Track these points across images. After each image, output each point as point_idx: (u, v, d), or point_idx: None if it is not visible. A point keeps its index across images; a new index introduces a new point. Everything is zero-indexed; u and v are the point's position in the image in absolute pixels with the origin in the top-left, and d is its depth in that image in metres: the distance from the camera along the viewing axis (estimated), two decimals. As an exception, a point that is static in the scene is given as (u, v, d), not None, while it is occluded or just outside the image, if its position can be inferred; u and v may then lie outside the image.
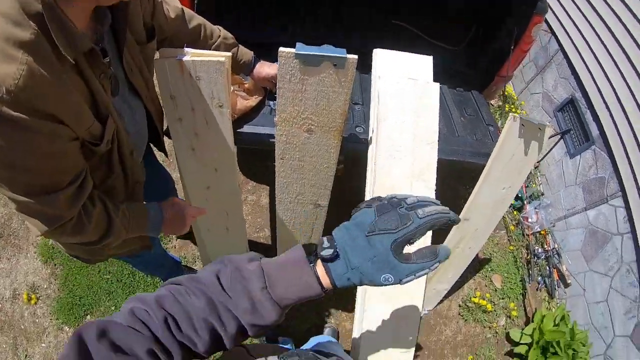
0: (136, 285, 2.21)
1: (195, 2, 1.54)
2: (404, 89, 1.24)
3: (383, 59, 1.28)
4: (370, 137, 1.25)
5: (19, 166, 0.74)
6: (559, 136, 2.85)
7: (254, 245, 2.07)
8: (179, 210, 1.13)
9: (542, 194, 2.90)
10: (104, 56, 0.85)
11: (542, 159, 3.00)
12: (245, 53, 1.39)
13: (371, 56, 1.39)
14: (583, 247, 2.48)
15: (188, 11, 1.19)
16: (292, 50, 1.00)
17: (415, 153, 1.25)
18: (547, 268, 2.55)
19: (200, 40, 1.23)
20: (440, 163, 1.35)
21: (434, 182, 1.27)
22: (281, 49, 1.01)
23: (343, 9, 2.30)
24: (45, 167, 0.77)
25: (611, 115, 2.38)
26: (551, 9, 3.13)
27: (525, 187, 2.91)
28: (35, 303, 2.25)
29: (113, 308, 2.14)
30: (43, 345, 2.14)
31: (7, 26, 0.65)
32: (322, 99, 1.10)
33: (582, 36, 2.75)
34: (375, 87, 1.24)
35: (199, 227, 1.57)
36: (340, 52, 1.02)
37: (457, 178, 2.72)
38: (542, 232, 2.66)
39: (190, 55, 0.98)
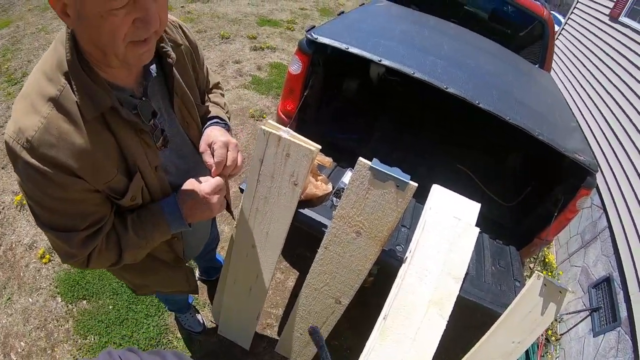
0: (142, 300, 2.22)
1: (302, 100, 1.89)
2: (447, 224, 1.41)
3: (437, 194, 1.48)
4: (406, 257, 1.40)
5: (39, 203, 0.80)
6: (587, 312, 2.81)
7: (262, 320, 2.11)
8: (193, 193, 0.98)
9: (557, 368, 2.80)
10: (146, 113, 0.88)
11: (565, 333, 2.94)
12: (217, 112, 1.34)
13: (429, 190, 1.60)
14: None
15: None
16: (369, 162, 1.22)
17: (440, 282, 1.38)
18: None
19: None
20: (461, 300, 1.46)
21: (449, 313, 1.37)
22: (360, 158, 1.23)
23: (418, 143, 2.66)
24: (61, 209, 0.81)
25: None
26: (607, 184, 3.27)
27: (541, 356, 2.83)
28: (46, 263, 2.32)
29: (110, 307, 2.16)
30: (30, 300, 2.16)
31: (42, 82, 0.75)
32: (378, 210, 1.29)
33: (632, 217, 2.83)
34: (424, 216, 1.42)
35: (228, 274, 1.72)
36: (404, 177, 1.22)
37: (470, 320, 2.70)
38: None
39: (289, 135, 1.22)
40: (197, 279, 2.18)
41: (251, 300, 1.75)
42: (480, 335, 1.49)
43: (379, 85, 3.03)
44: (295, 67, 1.87)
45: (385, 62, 1.70)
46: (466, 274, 1.42)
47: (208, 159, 1.01)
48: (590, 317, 2.80)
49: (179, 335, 2.14)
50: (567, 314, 2.97)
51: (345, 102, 2.75)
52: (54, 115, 0.74)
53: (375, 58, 1.71)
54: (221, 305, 1.89)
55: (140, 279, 1.25)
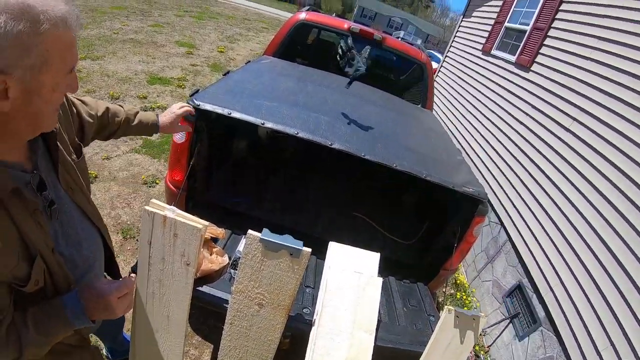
0: None
1: (189, 168, 1.84)
2: (349, 280, 1.42)
3: (335, 251, 1.50)
4: (314, 319, 1.38)
5: None
6: (507, 320, 3.00)
7: None
8: (97, 293, 0.95)
9: (489, 381, 2.91)
10: (40, 185, 0.87)
11: (492, 344, 3.09)
12: (149, 115, 1.49)
13: (329, 241, 1.63)
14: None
15: (93, 102, 1.29)
16: (258, 235, 1.20)
17: (353, 339, 1.37)
18: None
19: (110, 122, 1.34)
20: (380, 349, 1.46)
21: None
22: (250, 231, 1.20)
23: (313, 197, 2.71)
24: None
25: (555, 297, 2.59)
26: (500, 201, 3.60)
27: (474, 371, 2.93)
28: None
29: None
30: None
31: None
32: (275, 280, 1.26)
33: (527, 226, 3.13)
34: (325, 276, 1.42)
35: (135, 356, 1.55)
36: (297, 244, 1.21)
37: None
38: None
39: (175, 214, 1.16)
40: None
41: None
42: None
43: (268, 142, 3.07)
44: (179, 136, 1.82)
45: (269, 124, 1.73)
46: (378, 322, 1.43)
47: None
48: (511, 324, 2.98)
49: None
50: (489, 327, 3.14)
51: (235, 164, 2.74)
52: None
53: (258, 122, 1.73)
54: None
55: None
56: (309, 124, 1.81)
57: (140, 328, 1.44)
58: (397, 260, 2.21)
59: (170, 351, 1.45)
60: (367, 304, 1.42)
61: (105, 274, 1.32)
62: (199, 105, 1.77)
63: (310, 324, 1.41)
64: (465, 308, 3.26)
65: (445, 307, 1.49)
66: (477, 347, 3.02)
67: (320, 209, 2.53)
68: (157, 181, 3.68)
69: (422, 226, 2.40)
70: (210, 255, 1.55)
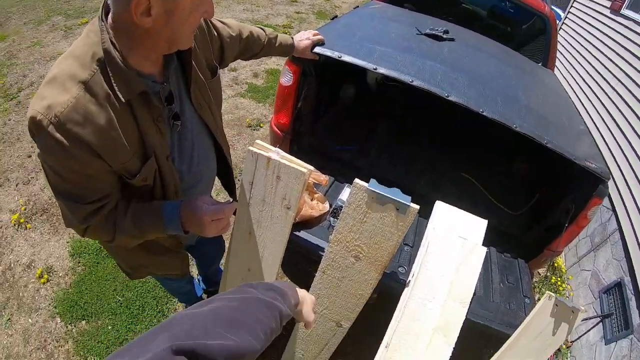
0: (141, 320, 2.19)
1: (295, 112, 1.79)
2: (452, 245, 1.31)
3: (441, 211, 1.38)
4: (409, 281, 1.31)
5: (57, 172, 0.85)
6: (598, 319, 2.71)
7: None
8: (194, 209, 0.99)
9: (568, 377, 2.70)
10: (168, 97, 0.96)
11: (576, 340, 2.83)
12: (287, 38, 1.57)
13: (434, 199, 1.50)
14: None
15: (235, 25, 1.34)
16: (365, 184, 1.13)
17: (446, 307, 1.29)
18: None
19: (253, 44, 1.41)
20: (469, 322, 1.37)
21: (455, 340, 1.28)
22: (356, 180, 1.13)
23: (419, 151, 2.55)
24: (74, 180, 0.87)
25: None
26: (615, 184, 3.16)
27: (553, 365, 2.73)
28: (44, 283, 2.29)
29: (110, 328, 2.11)
30: (29, 320, 2.13)
31: (75, 66, 0.81)
32: (377, 234, 1.20)
33: None
34: (427, 237, 1.32)
35: (226, 288, 1.64)
36: (405, 199, 1.12)
37: (480, 340, 2.59)
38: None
39: (280, 156, 1.13)
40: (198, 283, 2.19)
41: None
42: (484, 356, 1.40)
43: (378, 91, 2.93)
44: (287, 79, 1.78)
45: (381, 70, 1.61)
46: (473, 294, 1.33)
47: None
48: (601, 323, 2.69)
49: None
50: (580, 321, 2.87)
51: (342, 111, 2.65)
52: (82, 97, 0.79)
53: (370, 66, 1.62)
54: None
55: (138, 260, 1.31)
56: (424, 73, 1.65)
57: (234, 264, 1.48)
58: (500, 231, 2.03)
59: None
60: (467, 274, 1.31)
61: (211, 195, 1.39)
62: None
63: (403, 284, 1.34)
64: (558, 295, 2.99)
65: (546, 292, 1.34)
66: (561, 340, 2.78)
67: (426, 164, 2.40)
68: (261, 124, 3.76)
69: (532, 198, 2.16)
70: (311, 201, 1.52)
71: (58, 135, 0.78)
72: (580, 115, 2.33)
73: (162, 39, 0.83)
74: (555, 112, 1.99)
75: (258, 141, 1.17)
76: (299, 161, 1.13)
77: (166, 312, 2.24)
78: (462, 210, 1.42)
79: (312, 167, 1.15)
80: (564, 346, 2.79)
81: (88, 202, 0.90)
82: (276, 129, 1.94)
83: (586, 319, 2.79)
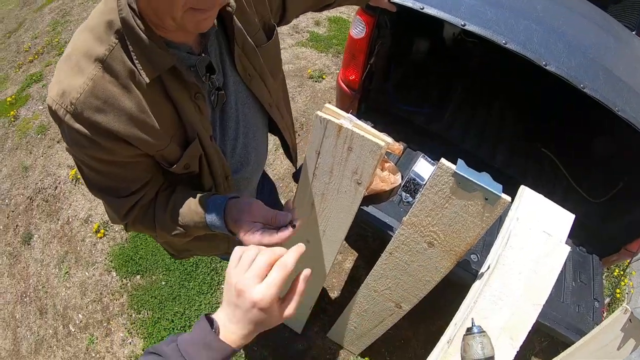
0: (194, 277, 2.18)
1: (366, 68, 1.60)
2: (535, 241, 1.16)
3: (527, 200, 1.22)
4: (482, 273, 1.18)
5: (87, 165, 0.76)
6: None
7: (316, 303, 2.02)
8: (240, 213, 0.83)
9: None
10: (209, 68, 0.81)
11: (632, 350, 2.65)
12: None
13: (510, 175, 1.34)
14: None
15: None
16: (452, 167, 0.98)
17: (517, 308, 1.16)
18: None
19: None
20: (536, 326, 1.24)
21: (521, 343, 1.16)
22: (442, 161, 0.98)
23: (498, 121, 2.31)
24: (107, 171, 0.77)
25: None
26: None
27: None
28: (101, 237, 2.34)
29: (163, 283, 2.16)
30: (86, 274, 2.20)
31: (90, 40, 0.67)
32: (457, 223, 1.06)
33: None
34: (509, 227, 1.17)
35: None
36: (496, 189, 0.97)
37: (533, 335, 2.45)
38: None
39: (353, 124, 0.98)
40: None
41: (307, 289, 1.61)
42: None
43: (454, 47, 2.63)
44: (358, 30, 1.57)
45: (471, 27, 1.39)
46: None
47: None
48: None
49: (230, 312, 2.10)
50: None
51: (414, 69, 2.40)
52: (100, 77, 0.67)
53: (458, 22, 1.40)
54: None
55: (183, 245, 1.17)
56: (519, 34, 1.41)
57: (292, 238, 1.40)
58: (577, 220, 1.84)
59: (319, 262, 1.40)
60: (545, 274, 1.17)
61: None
62: None
63: (474, 275, 1.21)
64: (617, 290, 2.78)
65: (623, 305, 1.18)
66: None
67: (503, 134, 2.19)
68: (324, 76, 3.55)
69: (615, 186, 1.92)
70: (382, 171, 1.38)
71: (78, 125, 0.67)
72: None
73: (147, 5, 0.65)
74: None
75: (328, 105, 1.02)
76: (375, 131, 0.98)
77: (219, 270, 2.23)
78: (548, 200, 1.25)
79: (390, 139, 1.00)
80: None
81: (126, 195, 0.81)
82: (344, 86, 1.76)
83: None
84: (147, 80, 0.69)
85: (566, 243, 1.70)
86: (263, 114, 1.05)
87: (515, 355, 1.21)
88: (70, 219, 2.46)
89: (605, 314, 2.75)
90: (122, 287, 2.15)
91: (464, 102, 2.33)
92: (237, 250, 0.64)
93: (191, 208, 0.84)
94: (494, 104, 2.42)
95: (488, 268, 1.17)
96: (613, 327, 1.25)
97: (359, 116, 1.83)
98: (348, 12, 4.52)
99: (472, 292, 1.19)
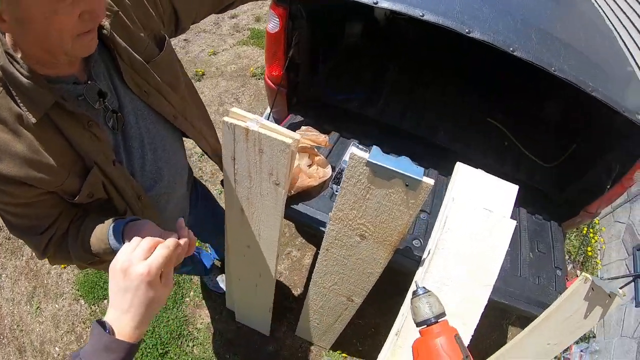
0: None
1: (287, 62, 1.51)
2: (475, 219, 1.09)
3: (462, 177, 1.14)
4: (424, 259, 1.10)
5: (2, 209, 0.77)
6: (630, 278, 2.47)
7: (280, 303, 1.97)
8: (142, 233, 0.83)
9: (594, 337, 2.53)
10: (100, 93, 0.79)
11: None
12: None
13: (454, 153, 1.26)
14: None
15: None
16: (365, 156, 0.89)
17: (465, 292, 1.10)
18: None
19: None
20: (492, 305, 1.18)
21: (474, 327, 1.10)
22: (354, 151, 0.90)
23: (437, 96, 2.19)
24: (18, 213, 0.78)
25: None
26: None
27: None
28: (65, 267, 2.29)
29: None
30: (56, 306, 2.16)
31: None
32: (383, 213, 0.98)
33: None
34: (445, 209, 1.09)
35: (232, 274, 1.52)
36: (416, 173, 0.89)
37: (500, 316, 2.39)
38: (580, 377, 2.31)
39: (260, 126, 0.90)
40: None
41: (260, 295, 1.56)
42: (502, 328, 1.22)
43: (387, 28, 2.52)
44: (273, 25, 1.46)
45: (384, 4, 1.29)
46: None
47: None
48: (634, 283, 2.46)
49: (198, 325, 2.08)
50: (608, 279, 2.64)
51: (346, 55, 2.28)
52: None
53: (368, 0, 1.30)
54: (233, 296, 1.73)
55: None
56: (439, 4, 1.32)
57: (233, 241, 1.33)
58: (530, 187, 1.76)
59: (262, 265, 1.33)
60: (491, 252, 1.10)
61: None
62: None
63: (418, 262, 1.14)
64: (589, 249, 2.75)
65: (582, 274, 1.12)
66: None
67: (445, 111, 2.09)
68: None
69: (568, 148, 1.85)
70: (311, 165, 1.30)
71: None
72: (625, 54, 1.94)
73: (36, 46, 0.65)
74: (597, 51, 1.63)
75: (234, 109, 0.94)
76: (284, 130, 0.90)
77: (182, 282, 2.19)
78: (487, 174, 1.17)
79: (298, 136, 0.92)
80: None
81: (41, 232, 0.82)
82: (270, 83, 1.67)
83: (617, 277, 2.56)
84: (34, 121, 0.69)
85: (521, 213, 1.65)
86: (170, 127, 1.00)
87: (495, 325, 1.16)
88: (33, 254, 2.39)
89: (580, 273, 2.74)
90: (92, 314, 2.10)
91: (400, 83, 2.22)
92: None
93: (97, 236, 0.83)
94: (432, 81, 2.33)
95: (428, 254, 1.10)
96: (575, 297, 1.20)
97: (290, 110, 1.73)
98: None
99: (416, 278, 1.12)
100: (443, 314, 0.78)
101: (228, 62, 3.46)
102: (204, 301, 2.12)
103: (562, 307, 1.22)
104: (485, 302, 1.10)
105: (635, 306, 2.35)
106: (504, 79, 2.26)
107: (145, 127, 0.91)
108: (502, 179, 1.77)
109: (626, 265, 2.60)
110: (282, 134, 0.90)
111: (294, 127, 1.64)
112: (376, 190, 0.94)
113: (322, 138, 1.28)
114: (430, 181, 0.89)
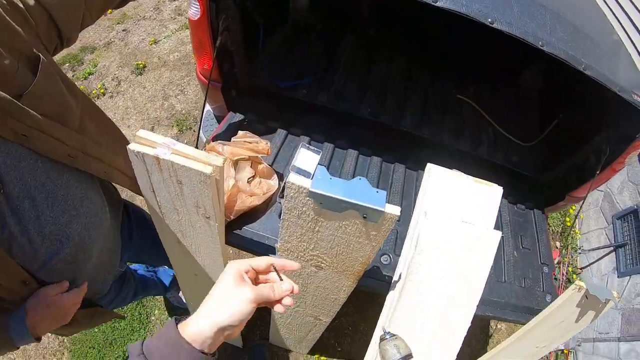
0: (119, 324, 1.98)
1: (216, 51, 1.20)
2: (453, 236, 0.87)
3: (435, 184, 0.91)
4: (395, 282, 0.89)
5: None
6: (611, 248, 2.34)
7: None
8: (51, 304, 0.77)
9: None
10: None
11: (586, 266, 2.50)
12: None
13: (423, 140, 1.02)
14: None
15: None
16: (306, 185, 0.66)
17: (444, 317, 0.91)
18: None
19: None
20: (477, 318, 0.99)
21: (456, 352, 0.92)
22: (291, 179, 0.66)
23: (401, 76, 1.85)
24: None
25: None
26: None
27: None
28: None
29: (96, 330, 1.94)
30: None
31: None
32: (339, 245, 0.76)
33: None
34: (417, 226, 0.87)
35: (188, 298, 1.31)
36: (375, 201, 0.66)
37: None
38: (564, 351, 2.21)
39: (172, 152, 0.65)
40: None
41: None
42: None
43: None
44: (194, 11, 1.14)
45: None
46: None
47: None
48: (615, 253, 2.33)
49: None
50: (589, 250, 2.51)
51: (292, 34, 1.89)
52: None
53: None
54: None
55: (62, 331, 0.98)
56: None
57: (179, 271, 1.12)
58: (510, 171, 1.53)
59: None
60: (473, 271, 0.90)
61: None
62: None
63: (388, 283, 0.93)
64: (567, 219, 2.60)
65: (575, 282, 0.95)
66: (570, 268, 2.45)
67: (410, 92, 1.76)
68: None
69: (548, 125, 1.61)
70: (253, 178, 1.04)
71: None
72: (609, 21, 1.67)
73: None
74: (583, 20, 1.37)
75: (141, 132, 0.68)
76: (201, 155, 0.66)
77: (145, 302, 1.99)
78: (464, 177, 0.94)
79: (219, 161, 0.67)
80: (574, 276, 2.48)
81: None
82: (202, 77, 1.36)
83: (597, 248, 2.43)
84: None
85: (501, 205, 1.44)
86: (70, 169, 0.75)
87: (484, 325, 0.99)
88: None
89: (559, 244, 2.60)
90: (61, 345, 1.93)
91: (355, 63, 1.83)
92: None
93: None
94: (393, 59, 1.95)
95: (399, 278, 0.89)
96: (567, 306, 1.03)
97: (229, 105, 1.44)
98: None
99: (387, 304, 0.92)
100: (410, 355, 0.77)
101: (171, 50, 3.02)
102: (169, 318, 1.93)
103: (553, 315, 1.06)
104: (469, 325, 0.91)
105: (618, 277, 2.23)
106: (475, 50, 1.91)
107: (34, 179, 0.68)
108: (478, 163, 1.55)
109: (606, 234, 2.46)
110: (200, 160, 0.66)
111: (233, 128, 1.35)
112: (327, 223, 0.71)
113: (263, 145, 1.02)
114: (394, 211, 0.67)
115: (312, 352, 1.76)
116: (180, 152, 0.66)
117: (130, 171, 0.86)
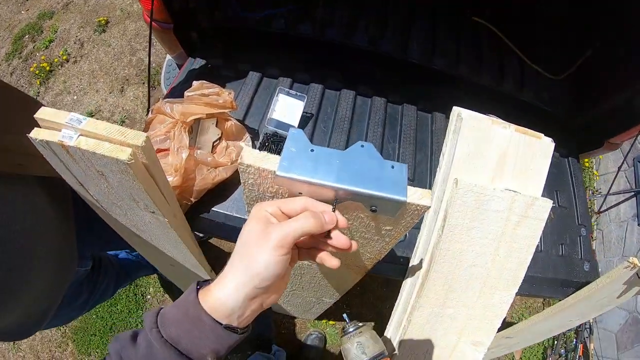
0: (118, 300, 1.88)
1: None
2: (491, 208, 0.64)
3: (468, 137, 0.65)
4: (410, 266, 0.67)
5: None
6: (632, 193, 2.11)
7: None
8: None
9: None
10: None
11: (604, 210, 2.28)
12: None
13: (434, 73, 0.72)
14: (620, 332, 1.89)
15: None
16: (269, 168, 0.41)
17: (478, 305, 0.69)
18: (575, 341, 1.99)
19: None
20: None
21: (488, 344, 0.72)
22: (244, 156, 0.41)
23: None
24: None
25: None
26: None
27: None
28: None
29: (95, 317, 1.85)
30: (31, 337, 1.94)
31: None
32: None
33: None
34: (444, 197, 0.63)
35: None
36: (391, 188, 0.41)
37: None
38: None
39: (79, 135, 0.40)
40: None
41: None
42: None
43: None
44: None
45: None
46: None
47: None
48: (636, 199, 2.09)
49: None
50: (608, 194, 2.28)
51: None
52: None
53: None
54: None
55: None
56: None
57: (153, 262, 0.89)
58: (537, 110, 1.23)
59: (195, 276, 0.90)
60: (518, 248, 0.68)
61: None
62: None
63: (404, 266, 0.71)
64: (586, 160, 2.34)
65: (628, 260, 0.78)
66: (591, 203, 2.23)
67: (416, 16, 1.33)
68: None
69: (581, 54, 1.24)
70: (220, 140, 0.76)
71: None
72: None
73: None
74: None
75: (42, 111, 0.42)
76: (115, 131, 0.41)
77: (139, 282, 1.86)
78: (507, 125, 0.68)
79: (141, 138, 0.43)
80: (592, 223, 2.27)
81: None
82: (147, 18, 1.00)
83: (617, 193, 2.19)
84: None
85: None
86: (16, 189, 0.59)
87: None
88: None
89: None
90: (64, 336, 1.86)
91: None
92: None
93: None
94: None
95: (422, 260, 0.66)
96: (616, 282, 0.84)
97: (190, 50, 1.11)
98: None
99: (406, 292, 0.70)
100: (381, 355, 0.57)
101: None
102: (166, 294, 1.80)
103: (599, 292, 0.86)
104: (504, 314, 0.71)
105: (638, 224, 2.02)
106: None
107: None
108: (502, 101, 1.25)
109: (626, 177, 2.22)
110: (113, 141, 0.40)
111: (192, 77, 1.02)
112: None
113: (225, 97, 0.71)
114: (423, 200, 0.42)
115: (319, 317, 1.61)
116: (89, 132, 0.41)
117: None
